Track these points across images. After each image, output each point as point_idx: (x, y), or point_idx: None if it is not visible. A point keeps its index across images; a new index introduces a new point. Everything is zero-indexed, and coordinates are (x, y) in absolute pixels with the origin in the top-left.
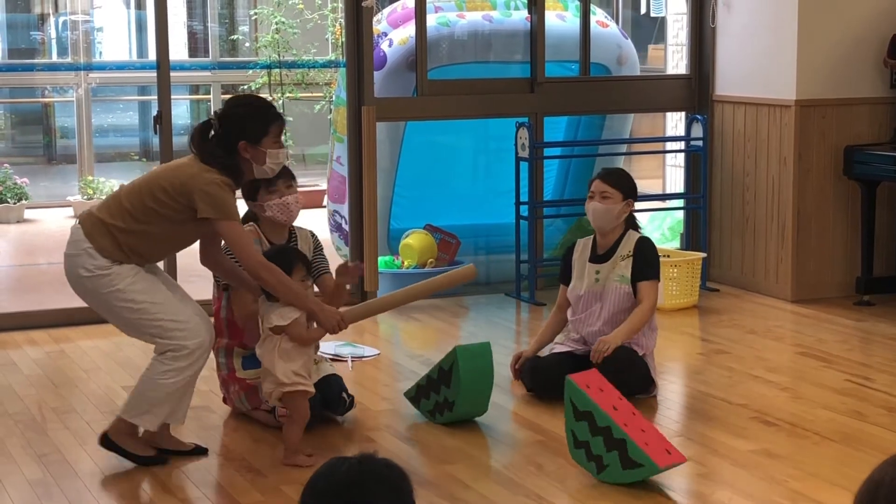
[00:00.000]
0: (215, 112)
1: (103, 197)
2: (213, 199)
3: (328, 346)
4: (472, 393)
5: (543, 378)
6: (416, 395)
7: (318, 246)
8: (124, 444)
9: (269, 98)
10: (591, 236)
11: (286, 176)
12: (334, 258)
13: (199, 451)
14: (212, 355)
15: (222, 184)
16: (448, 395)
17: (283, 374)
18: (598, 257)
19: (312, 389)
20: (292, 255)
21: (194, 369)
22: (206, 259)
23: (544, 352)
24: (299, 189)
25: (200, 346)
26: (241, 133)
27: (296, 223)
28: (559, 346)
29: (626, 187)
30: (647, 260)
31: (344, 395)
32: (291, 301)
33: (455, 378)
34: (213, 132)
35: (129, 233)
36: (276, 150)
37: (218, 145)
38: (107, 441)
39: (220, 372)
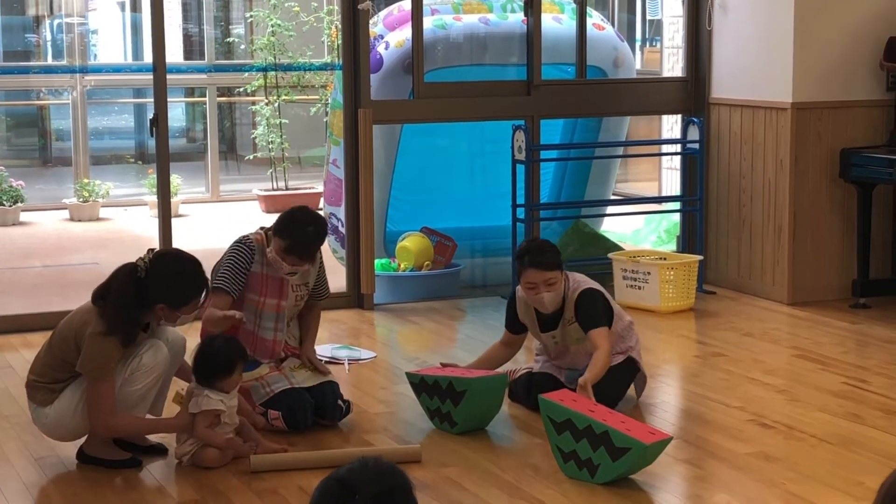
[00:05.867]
0: (146, 260)
1: (99, 200)
2: (89, 356)
3: (324, 348)
4: (475, 421)
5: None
6: (419, 385)
7: (321, 266)
8: (99, 454)
9: (265, 101)
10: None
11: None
12: (331, 261)
13: (159, 450)
14: None
15: (106, 342)
16: (452, 413)
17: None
18: (547, 324)
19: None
20: (233, 353)
21: (161, 369)
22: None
23: (537, 369)
24: (296, 191)
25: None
26: (163, 297)
27: None
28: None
29: (557, 261)
30: (588, 314)
31: (340, 402)
32: (152, 431)
33: (464, 405)
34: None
35: (52, 391)
36: (191, 315)
37: (137, 294)
38: (83, 456)
39: None
